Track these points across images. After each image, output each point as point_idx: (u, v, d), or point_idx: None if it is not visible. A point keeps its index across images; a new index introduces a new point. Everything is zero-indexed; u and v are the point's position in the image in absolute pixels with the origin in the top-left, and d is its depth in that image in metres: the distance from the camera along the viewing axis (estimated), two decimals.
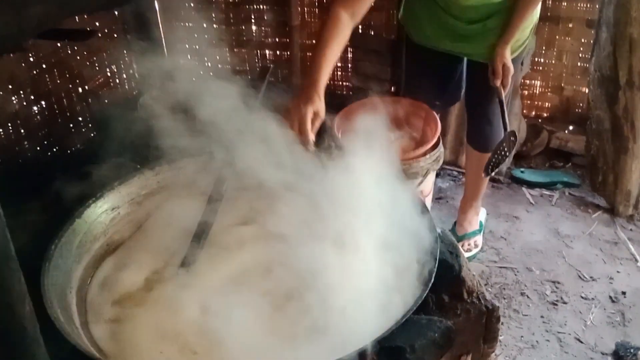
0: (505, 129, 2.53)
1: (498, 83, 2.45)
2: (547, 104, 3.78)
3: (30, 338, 0.81)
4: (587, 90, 3.60)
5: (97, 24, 3.20)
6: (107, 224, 1.84)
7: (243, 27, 4.02)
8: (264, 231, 1.75)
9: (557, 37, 3.54)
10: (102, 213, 1.83)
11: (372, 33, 3.86)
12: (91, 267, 1.72)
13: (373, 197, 1.67)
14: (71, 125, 3.43)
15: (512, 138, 2.54)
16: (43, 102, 3.21)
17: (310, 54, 1.98)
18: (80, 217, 1.74)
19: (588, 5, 3.42)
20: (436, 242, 1.66)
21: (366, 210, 1.70)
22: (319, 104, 1.78)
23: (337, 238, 1.66)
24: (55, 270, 1.55)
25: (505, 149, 2.53)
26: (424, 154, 2.57)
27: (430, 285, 1.55)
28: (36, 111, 3.12)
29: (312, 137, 1.74)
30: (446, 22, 2.43)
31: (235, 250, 1.73)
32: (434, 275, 1.58)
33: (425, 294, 1.52)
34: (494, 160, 2.55)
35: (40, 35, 1.13)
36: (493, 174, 2.62)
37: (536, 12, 2.50)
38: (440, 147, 2.67)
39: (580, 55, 3.57)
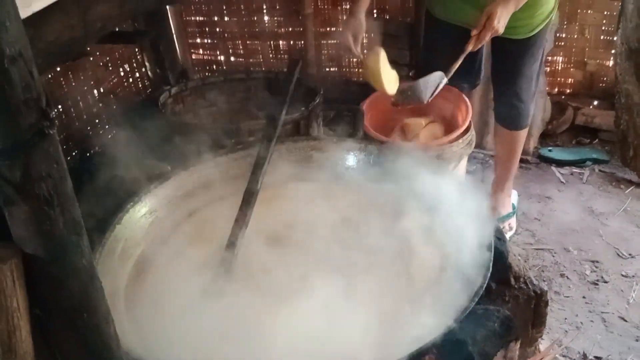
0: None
1: (474, 32, 2.23)
2: (570, 79, 3.71)
3: (116, 358, 0.77)
4: (611, 64, 3.54)
5: None
6: (147, 228, 1.80)
7: (255, 18, 3.96)
8: None
9: (579, 10, 3.46)
10: (141, 217, 1.80)
11: (388, 17, 3.79)
12: (135, 273, 1.68)
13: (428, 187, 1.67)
14: (89, 127, 3.40)
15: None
16: (60, 106, 3.17)
17: None
18: (121, 223, 1.70)
19: None
20: (491, 230, 1.62)
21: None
22: (356, 24, 2.36)
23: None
24: (101, 278, 1.51)
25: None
26: (457, 139, 2.52)
27: (489, 275, 1.51)
28: (53, 115, 3.06)
29: (356, 49, 2.35)
30: None
31: None
32: (491, 264, 1.54)
33: (485, 284, 1.49)
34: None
35: (101, 40, 1.09)
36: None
37: None
38: (472, 131, 2.61)
39: (604, 28, 3.50)
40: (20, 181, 0.69)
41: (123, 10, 0.93)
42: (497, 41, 2.54)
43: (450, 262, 1.63)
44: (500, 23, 2.18)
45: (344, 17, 3.84)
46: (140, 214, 1.80)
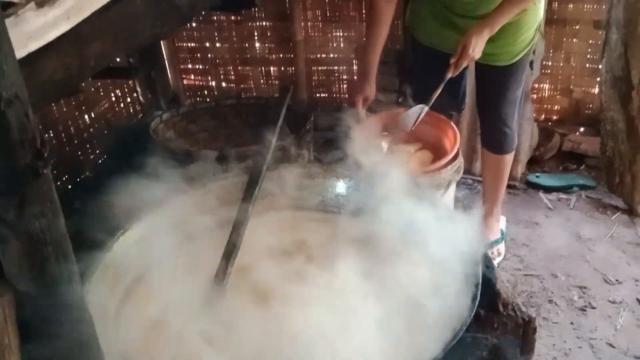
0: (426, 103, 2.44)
1: (452, 60, 2.32)
2: (556, 106, 3.77)
3: None
4: (596, 92, 3.60)
5: None
6: (138, 255, 1.79)
7: (246, 45, 4.00)
8: None
9: (564, 39, 3.54)
10: (132, 244, 1.79)
11: None
12: (124, 301, 1.68)
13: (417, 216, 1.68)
14: (80, 152, 3.40)
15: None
16: (51, 131, 3.18)
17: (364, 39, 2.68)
18: (111, 251, 1.70)
19: (594, 7, 3.42)
20: (479, 258, 1.64)
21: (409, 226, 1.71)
22: (368, 89, 2.48)
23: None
24: (90, 308, 1.51)
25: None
26: (445, 166, 2.54)
27: (476, 304, 1.53)
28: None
29: (362, 113, 2.46)
30: (450, 20, 2.44)
31: None
32: (479, 294, 1.55)
33: (472, 314, 1.50)
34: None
35: (98, 76, 1.10)
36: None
37: (538, 11, 2.49)
38: (460, 158, 2.64)
39: (589, 56, 3.57)
40: (14, 220, 0.70)
41: (117, 48, 0.95)
42: (480, 68, 2.62)
43: (438, 291, 1.63)
44: (475, 51, 2.28)
45: (334, 45, 3.91)
46: (131, 241, 1.79)
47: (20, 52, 0.78)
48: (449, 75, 2.34)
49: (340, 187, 2.17)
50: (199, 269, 1.77)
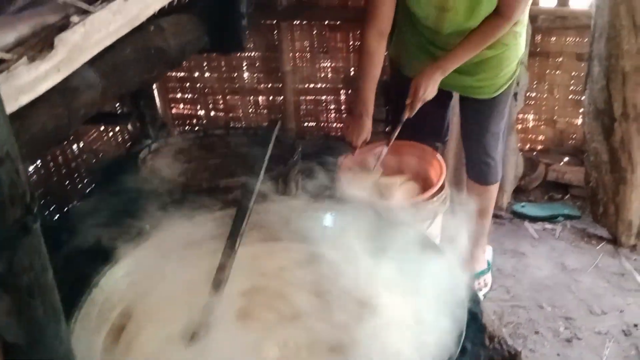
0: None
1: (408, 101, 2.40)
2: (541, 136, 3.82)
3: None
4: (579, 122, 3.66)
5: None
6: (125, 291, 1.79)
7: (235, 74, 4.04)
8: None
9: (547, 71, 3.60)
10: (119, 279, 1.79)
11: None
12: (111, 337, 1.68)
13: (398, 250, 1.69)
14: (67, 182, 3.39)
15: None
16: (39, 161, 3.18)
17: (356, 78, 2.61)
18: (98, 286, 1.69)
19: (577, 40, 3.49)
20: (465, 293, 1.65)
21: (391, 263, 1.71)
22: (366, 130, 2.47)
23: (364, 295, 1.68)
24: (77, 344, 1.51)
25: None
26: (432, 197, 2.57)
27: (462, 341, 1.54)
28: (31, 171, 3.06)
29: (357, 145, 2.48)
30: (434, 55, 2.46)
31: None
32: (464, 331, 1.57)
33: (459, 349, 1.51)
34: None
35: (88, 122, 1.13)
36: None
37: (519, 46, 2.53)
38: (447, 189, 2.67)
39: (571, 88, 3.64)
40: (3, 274, 0.71)
41: (106, 96, 0.97)
42: (464, 101, 2.68)
43: (424, 327, 1.64)
44: (427, 92, 2.36)
45: (322, 75, 3.96)
46: (118, 275, 1.78)
47: (11, 106, 0.80)
48: (405, 116, 2.44)
49: (328, 220, 2.19)
50: (187, 303, 1.77)
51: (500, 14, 2.22)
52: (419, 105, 2.39)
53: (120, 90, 1.07)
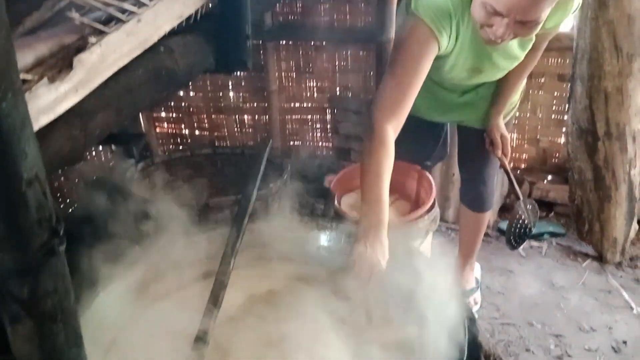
0: (517, 197, 2.57)
1: (499, 153, 2.48)
2: (524, 155, 3.87)
3: None
4: (562, 141, 3.72)
5: None
6: (117, 313, 1.76)
7: (221, 94, 4.04)
8: None
9: (530, 91, 3.66)
10: (111, 302, 1.76)
11: (350, 95, 3.92)
12: None
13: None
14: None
15: (529, 206, 2.57)
16: None
17: (365, 179, 1.84)
18: (90, 308, 1.66)
19: (559, 61, 3.56)
20: (464, 315, 1.66)
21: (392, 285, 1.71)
22: (383, 254, 1.70)
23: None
24: None
25: (523, 217, 2.56)
26: (422, 216, 2.58)
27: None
28: None
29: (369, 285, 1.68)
30: (439, 95, 2.42)
31: None
32: (466, 350, 1.57)
33: None
34: (513, 231, 2.58)
35: (99, 143, 1.10)
36: (520, 247, 2.63)
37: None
38: (436, 208, 2.68)
39: (554, 107, 3.70)
40: (27, 299, 0.69)
41: (120, 118, 0.96)
42: (467, 131, 2.63)
43: (422, 345, 1.64)
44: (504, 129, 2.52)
45: (307, 94, 3.97)
46: (110, 298, 1.76)
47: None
48: (507, 164, 2.57)
49: (322, 239, 2.19)
50: (180, 327, 1.75)
51: (535, 48, 2.20)
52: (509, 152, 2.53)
53: (134, 111, 1.07)
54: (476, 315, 2.89)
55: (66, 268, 0.74)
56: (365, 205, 1.81)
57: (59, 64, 0.83)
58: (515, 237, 2.61)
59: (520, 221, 2.59)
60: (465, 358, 1.53)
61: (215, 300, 1.74)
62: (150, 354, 1.63)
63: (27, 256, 0.67)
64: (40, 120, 0.80)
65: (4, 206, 0.64)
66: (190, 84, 4.00)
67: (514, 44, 2.09)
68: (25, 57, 0.81)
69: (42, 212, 0.68)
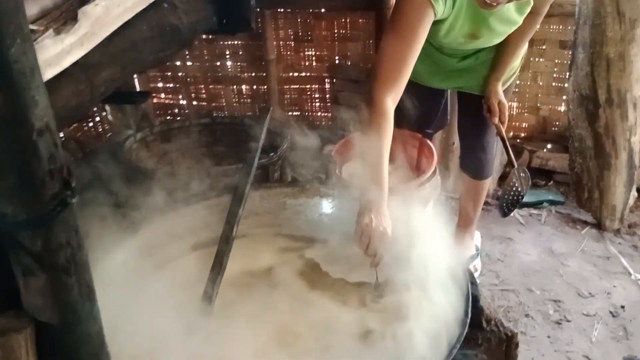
0: (512, 165, 2.56)
1: (496, 120, 2.46)
2: (524, 124, 3.87)
3: None
4: (562, 109, 3.71)
5: None
6: (121, 280, 1.76)
7: (218, 63, 4.00)
8: None
9: (531, 59, 3.63)
10: (115, 269, 1.76)
11: (349, 63, 3.89)
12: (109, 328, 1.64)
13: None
14: None
15: (522, 174, 2.57)
16: None
17: (366, 152, 1.85)
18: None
19: (560, 27, 3.53)
20: (466, 277, 1.67)
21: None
22: (388, 223, 1.71)
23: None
24: None
25: (516, 185, 2.55)
26: (424, 183, 2.57)
27: (468, 322, 1.55)
28: None
29: (380, 258, 1.70)
30: (439, 60, 2.41)
31: None
32: (469, 312, 1.58)
33: (465, 332, 1.52)
34: (506, 198, 2.59)
35: (104, 100, 1.09)
36: (512, 214, 2.64)
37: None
38: (438, 175, 2.68)
39: (555, 75, 3.68)
40: (40, 251, 0.68)
41: (125, 74, 0.94)
42: (466, 97, 2.61)
43: (425, 310, 1.65)
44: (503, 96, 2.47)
45: (306, 64, 3.93)
46: (113, 265, 1.76)
47: None
48: (504, 131, 2.54)
49: (325, 206, 2.19)
50: (184, 292, 1.75)
51: (535, 13, 2.18)
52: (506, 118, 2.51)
53: (138, 67, 1.05)
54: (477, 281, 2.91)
55: (78, 221, 0.73)
56: (366, 178, 1.83)
57: (64, 15, 0.81)
58: (508, 204, 2.63)
59: (514, 189, 2.59)
60: (467, 321, 1.54)
61: (219, 264, 1.75)
62: (161, 308, 1.65)
63: (39, 207, 0.67)
64: (46, 73, 0.78)
65: (15, 155, 0.63)
66: (187, 52, 3.96)
67: (511, 8, 2.07)
68: (29, 8, 0.79)
69: (54, 163, 0.67)
